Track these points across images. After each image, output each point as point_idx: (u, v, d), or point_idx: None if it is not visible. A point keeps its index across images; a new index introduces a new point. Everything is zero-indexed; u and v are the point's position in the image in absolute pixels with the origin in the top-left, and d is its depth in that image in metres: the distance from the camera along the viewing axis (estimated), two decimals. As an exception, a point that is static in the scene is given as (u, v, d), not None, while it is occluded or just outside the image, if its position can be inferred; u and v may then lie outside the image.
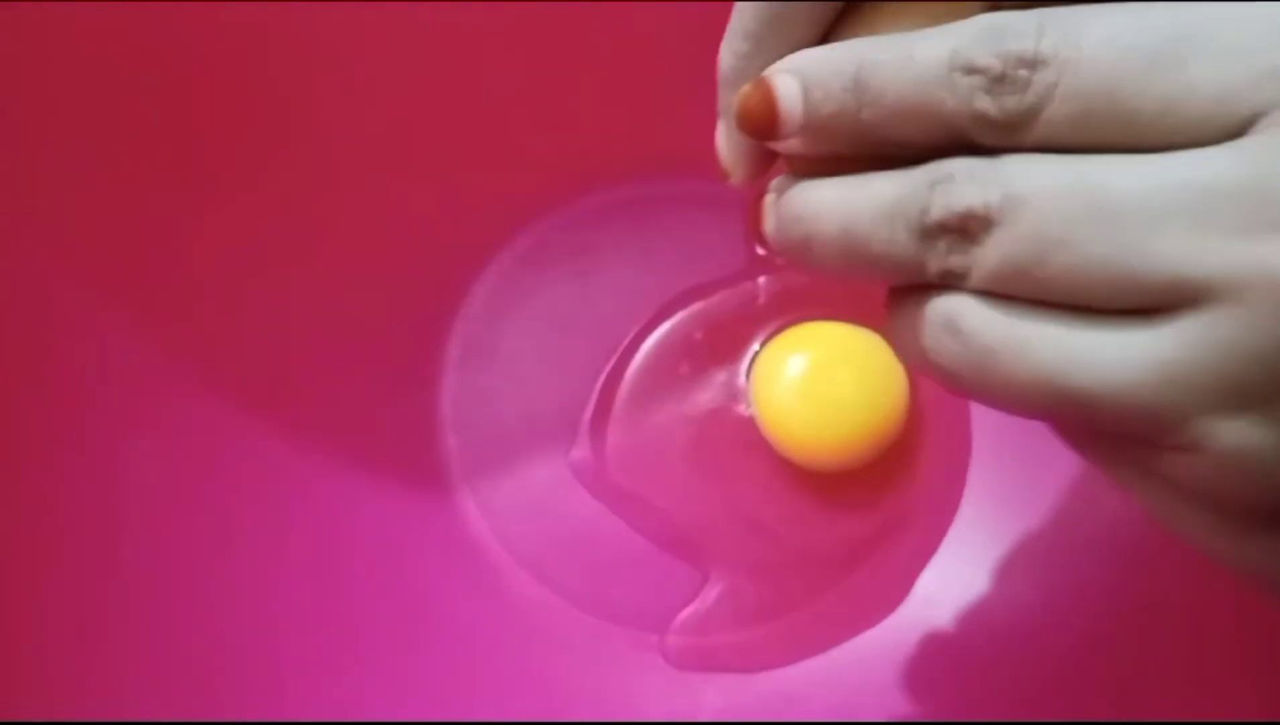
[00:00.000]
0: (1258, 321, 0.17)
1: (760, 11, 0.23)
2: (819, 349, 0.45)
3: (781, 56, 0.22)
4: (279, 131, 0.44)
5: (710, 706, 0.43)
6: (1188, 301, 0.18)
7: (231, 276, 0.43)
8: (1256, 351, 0.17)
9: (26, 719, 0.34)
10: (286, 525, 0.43)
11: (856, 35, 0.22)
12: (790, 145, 0.22)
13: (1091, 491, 0.41)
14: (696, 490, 0.47)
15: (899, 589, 0.44)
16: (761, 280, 0.49)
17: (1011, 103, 0.19)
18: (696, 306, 0.49)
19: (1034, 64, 0.18)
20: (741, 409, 0.47)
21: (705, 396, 0.48)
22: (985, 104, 0.19)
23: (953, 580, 0.43)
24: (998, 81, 0.19)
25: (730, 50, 0.24)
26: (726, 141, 0.26)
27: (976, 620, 0.42)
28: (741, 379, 0.48)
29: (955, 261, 0.19)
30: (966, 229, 0.19)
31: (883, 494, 0.46)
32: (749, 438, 0.46)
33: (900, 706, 0.41)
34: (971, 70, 0.19)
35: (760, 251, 0.48)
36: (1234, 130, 0.18)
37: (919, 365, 0.22)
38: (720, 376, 0.48)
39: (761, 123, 0.22)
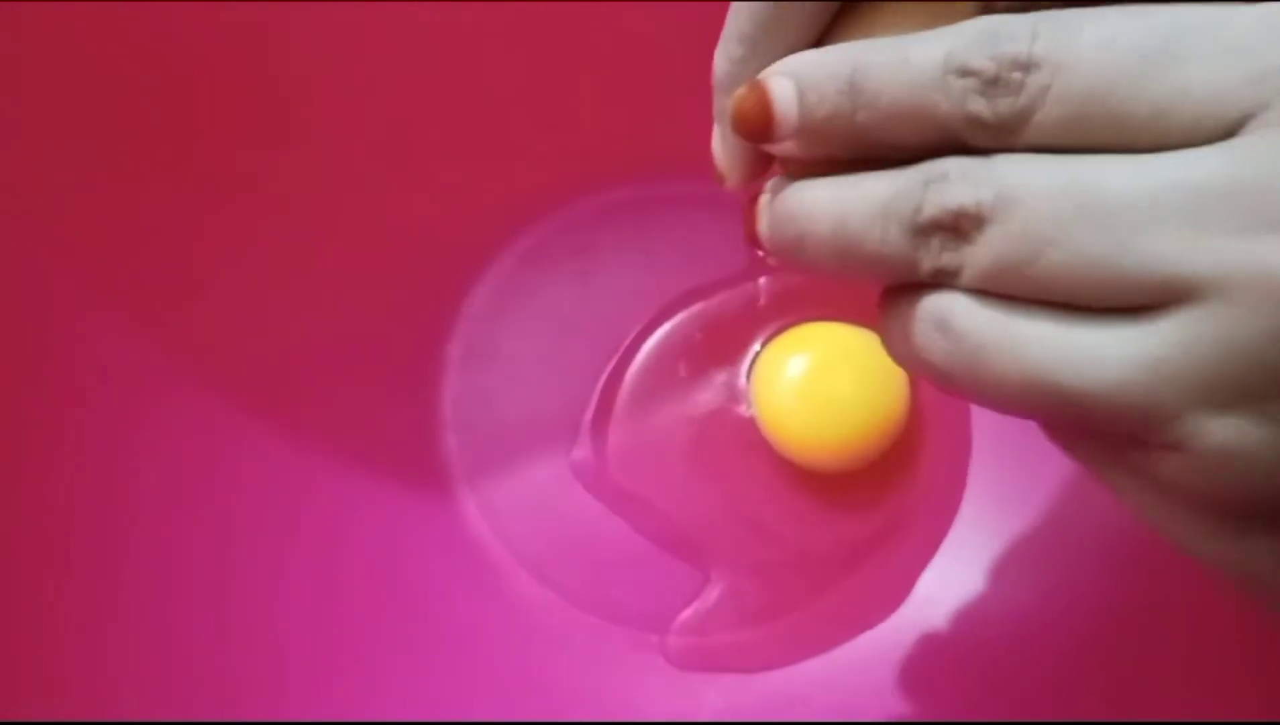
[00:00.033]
0: (1247, 318, 0.17)
1: (755, 15, 0.23)
2: (819, 350, 0.45)
3: (776, 60, 0.22)
4: (279, 131, 0.44)
5: (711, 707, 0.43)
6: (1178, 300, 0.18)
7: (231, 276, 0.43)
8: (1246, 348, 0.17)
9: (27, 719, 0.34)
10: (287, 525, 0.43)
11: (851, 38, 0.22)
12: (785, 148, 0.22)
13: (1091, 493, 0.40)
14: (697, 491, 0.47)
15: (899, 589, 0.44)
16: (762, 281, 0.49)
17: (1005, 105, 0.19)
18: (697, 307, 0.49)
19: (1027, 66, 0.18)
20: (742, 410, 0.47)
21: (706, 397, 0.48)
22: (979, 106, 0.19)
23: (953, 581, 0.43)
24: (991, 84, 0.19)
25: (725, 54, 0.24)
26: (722, 145, 0.26)
27: (977, 620, 0.42)
28: (742, 380, 0.48)
29: (947, 260, 0.19)
30: (959, 227, 0.19)
31: (883, 494, 0.46)
32: (750, 438, 0.46)
33: (900, 707, 0.41)
34: (966, 73, 0.19)
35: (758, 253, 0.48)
36: (1225, 131, 0.18)
37: (910, 365, 0.22)
38: (721, 377, 0.48)
39: (756, 125, 0.22)
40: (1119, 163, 0.18)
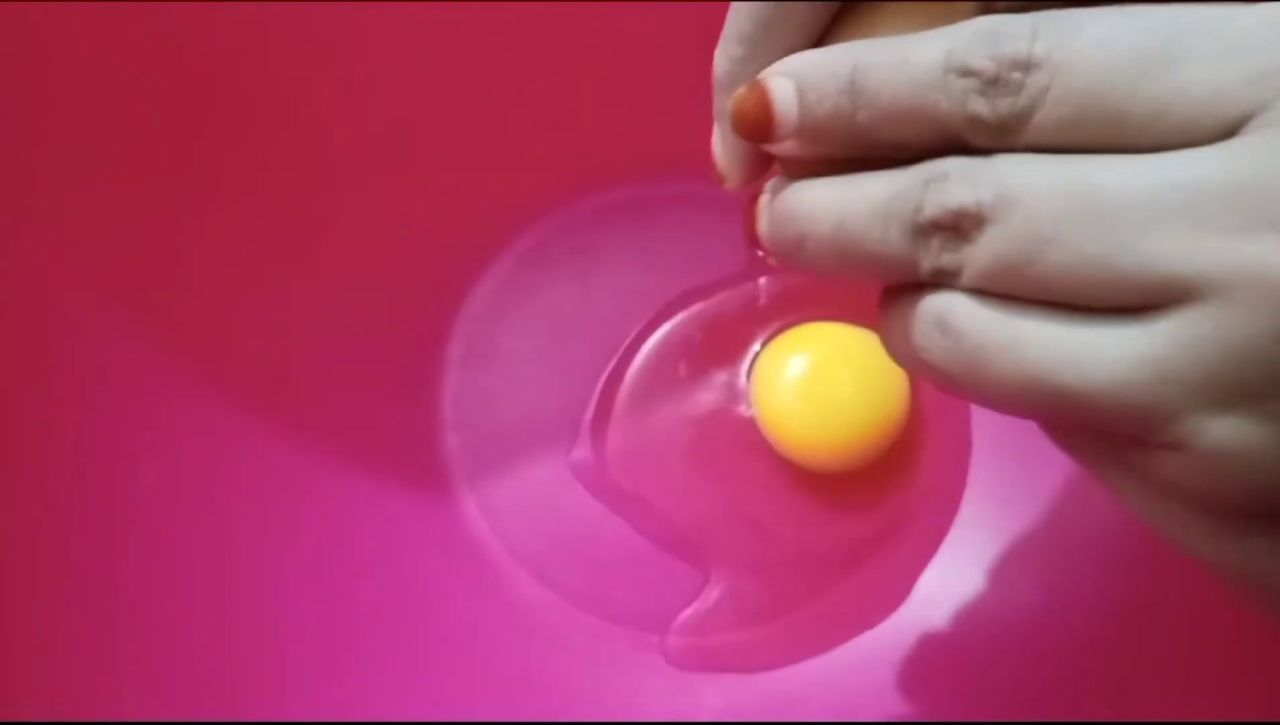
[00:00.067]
0: (1246, 318, 0.17)
1: (755, 15, 0.23)
2: (820, 350, 0.45)
3: (776, 60, 0.22)
4: (279, 132, 0.44)
5: (711, 707, 0.43)
6: (1178, 299, 0.18)
7: (232, 276, 0.43)
8: (1245, 348, 0.17)
9: (27, 719, 0.34)
10: (287, 525, 0.43)
11: (851, 38, 0.22)
12: (785, 148, 0.22)
13: (1092, 493, 0.41)
14: (697, 491, 0.47)
15: (899, 589, 0.44)
16: (762, 281, 0.49)
17: (1005, 105, 0.19)
18: (697, 307, 0.49)
19: (1027, 66, 0.18)
20: (742, 410, 0.47)
21: (706, 397, 0.48)
22: (979, 106, 0.19)
23: (953, 581, 0.43)
24: (991, 84, 0.19)
25: (725, 54, 0.24)
26: (722, 146, 0.26)
27: (977, 621, 0.42)
28: (742, 380, 0.48)
29: (947, 260, 0.19)
30: (959, 227, 0.19)
31: (883, 494, 0.46)
32: (750, 438, 0.46)
33: (900, 707, 0.41)
34: (966, 72, 0.19)
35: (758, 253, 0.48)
36: (1225, 131, 0.18)
37: (910, 364, 0.22)
38: (721, 377, 0.48)
39: (757, 125, 0.22)
40: (1119, 163, 0.18)
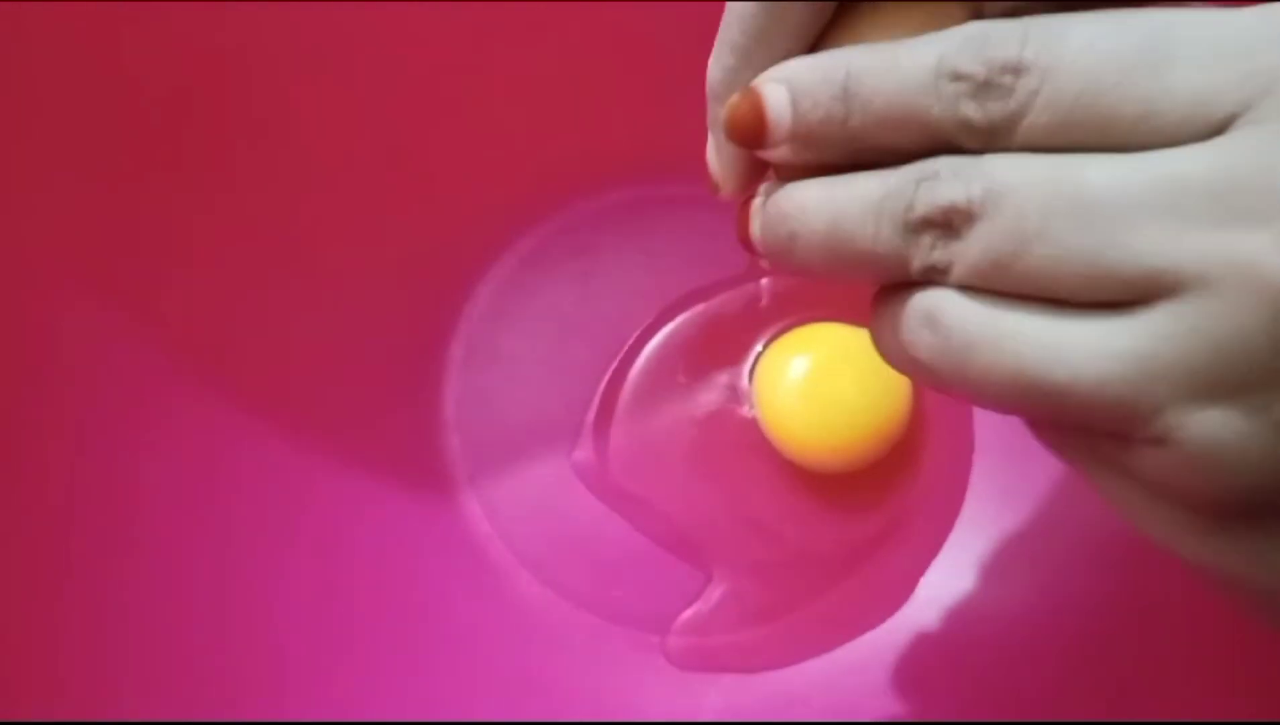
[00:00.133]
0: (1231, 311, 0.17)
1: (746, 25, 0.23)
2: (822, 351, 0.45)
3: (768, 68, 0.22)
4: (280, 132, 0.44)
5: (711, 707, 0.43)
6: (1162, 293, 0.18)
7: (232, 277, 0.43)
8: (1230, 341, 0.17)
9: (27, 719, 0.34)
10: (288, 526, 0.43)
11: (843, 44, 0.22)
12: (779, 154, 0.22)
13: (1091, 495, 0.40)
14: (699, 491, 0.47)
15: (901, 590, 0.44)
16: (764, 282, 0.49)
17: (995, 108, 0.19)
18: (699, 308, 0.49)
19: (1017, 70, 0.19)
20: (744, 410, 0.47)
21: (708, 398, 0.48)
22: (970, 110, 0.19)
23: (954, 582, 0.43)
24: (982, 88, 0.19)
25: (718, 63, 0.24)
26: (716, 153, 0.26)
27: (978, 621, 0.42)
28: (744, 381, 0.48)
29: (938, 256, 0.20)
30: (949, 223, 0.19)
31: (885, 495, 0.46)
32: (751, 439, 0.46)
33: (901, 707, 0.41)
34: (957, 77, 0.19)
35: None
36: (1212, 131, 0.18)
37: (899, 362, 0.22)
38: (723, 378, 0.48)
39: (750, 131, 0.22)
40: (1107, 160, 0.18)
